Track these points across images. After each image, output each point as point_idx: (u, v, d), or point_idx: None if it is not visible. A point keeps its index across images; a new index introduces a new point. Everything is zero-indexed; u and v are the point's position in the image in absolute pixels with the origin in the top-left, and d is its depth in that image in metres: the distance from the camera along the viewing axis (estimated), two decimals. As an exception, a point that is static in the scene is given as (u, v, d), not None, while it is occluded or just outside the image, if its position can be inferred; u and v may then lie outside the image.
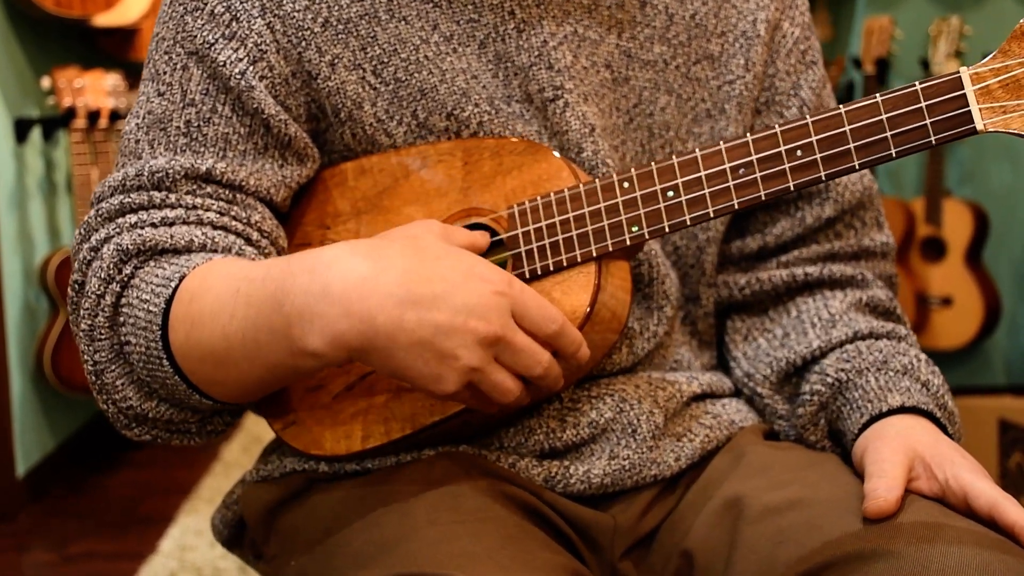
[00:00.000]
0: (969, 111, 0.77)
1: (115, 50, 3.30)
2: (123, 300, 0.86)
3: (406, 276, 0.77)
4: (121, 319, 0.86)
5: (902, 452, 0.83)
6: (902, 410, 0.90)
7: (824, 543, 0.76)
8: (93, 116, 2.90)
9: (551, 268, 0.87)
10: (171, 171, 0.89)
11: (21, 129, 2.89)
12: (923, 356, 0.96)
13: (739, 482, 0.89)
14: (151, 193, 0.89)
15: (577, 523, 0.91)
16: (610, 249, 0.86)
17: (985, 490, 0.80)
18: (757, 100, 1.01)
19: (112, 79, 2.95)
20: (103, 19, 2.98)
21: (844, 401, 0.93)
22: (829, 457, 0.92)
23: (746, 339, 1.04)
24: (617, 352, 0.96)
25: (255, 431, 3.30)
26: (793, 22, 1.03)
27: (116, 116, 2.97)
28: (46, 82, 2.89)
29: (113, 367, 0.87)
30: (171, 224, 0.88)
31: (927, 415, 0.91)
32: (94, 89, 2.90)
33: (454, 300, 0.76)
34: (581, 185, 0.87)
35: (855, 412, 0.91)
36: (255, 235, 0.91)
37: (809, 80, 1.02)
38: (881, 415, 0.90)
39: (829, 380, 0.94)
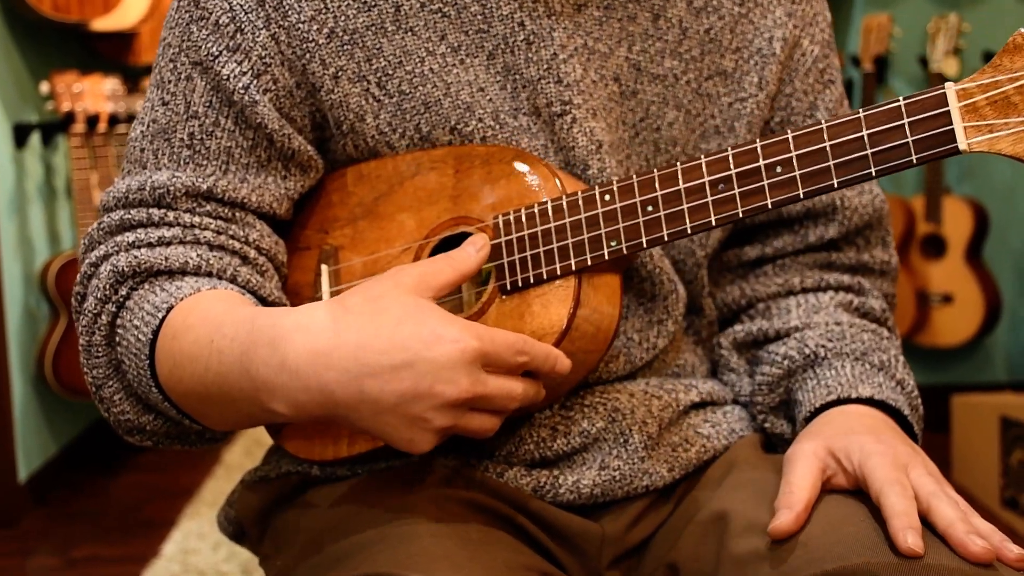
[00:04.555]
0: (952, 129, 0.72)
1: (113, 54, 3.29)
2: (118, 321, 0.87)
3: (362, 348, 0.76)
4: (117, 339, 0.87)
5: (812, 455, 0.83)
6: (870, 402, 0.90)
7: (807, 560, 0.75)
8: (92, 120, 2.90)
9: (532, 281, 0.86)
10: (172, 188, 0.89)
11: (20, 134, 2.89)
12: (902, 358, 0.95)
13: (727, 494, 0.88)
14: (150, 211, 0.89)
15: (563, 532, 0.91)
16: (589, 263, 0.85)
17: (876, 477, 0.78)
18: (771, 120, 1.00)
19: (111, 83, 2.95)
20: (101, 23, 2.98)
21: (814, 375, 0.93)
22: None
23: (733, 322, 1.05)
24: (614, 361, 0.95)
25: (256, 434, 3.30)
26: (813, 40, 1.00)
27: (115, 120, 2.97)
28: (45, 87, 2.89)
29: (111, 382, 0.89)
30: (168, 244, 0.88)
31: (894, 412, 0.91)
32: (93, 93, 2.89)
33: (417, 367, 0.75)
34: (564, 197, 0.86)
35: (821, 388, 0.91)
36: (252, 253, 0.91)
37: (826, 100, 1.01)
38: (847, 400, 0.90)
39: (807, 351, 0.94)
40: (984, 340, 3.30)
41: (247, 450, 3.23)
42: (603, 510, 0.92)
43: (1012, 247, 3.30)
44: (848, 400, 0.90)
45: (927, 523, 0.76)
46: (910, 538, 0.73)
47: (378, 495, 0.88)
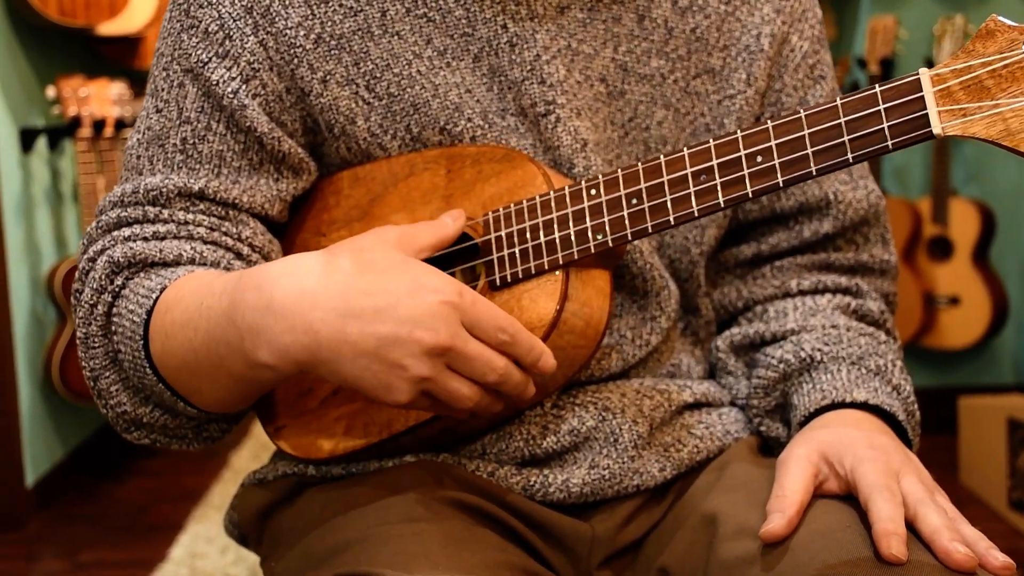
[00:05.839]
0: (927, 114, 0.73)
1: (119, 58, 3.30)
2: (114, 310, 0.88)
3: (348, 290, 0.78)
4: (113, 327, 0.88)
5: (805, 459, 0.83)
6: (865, 406, 0.90)
7: (794, 565, 0.75)
8: (98, 125, 2.90)
9: (520, 275, 0.87)
10: (165, 189, 0.91)
11: (27, 138, 2.89)
12: (899, 363, 0.95)
13: (719, 497, 0.88)
14: (146, 208, 0.91)
15: (553, 531, 0.91)
16: (576, 257, 0.86)
17: (866, 483, 0.78)
18: (762, 116, 1.00)
19: (117, 88, 2.95)
20: (107, 28, 2.98)
21: (809, 379, 0.93)
22: None
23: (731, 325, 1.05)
24: (606, 358, 0.95)
25: (264, 438, 3.30)
26: (802, 35, 1.00)
27: (121, 125, 2.98)
28: (51, 91, 2.89)
29: (108, 374, 0.90)
30: (162, 238, 0.90)
31: (889, 417, 0.91)
32: (99, 98, 2.90)
33: (398, 312, 0.77)
34: (551, 192, 0.87)
35: (816, 392, 0.91)
36: (245, 250, 0.93)
37: (816, 95, 1.01)
38: (842, 405, 0.90)
39: (803, 355, 0.94)
40: (991, 342, 3.29)
41: (254, 454, 3.23)
42: (594, 509, 0.93)
43: (1019, 249, 3.30)
44: (843, 404, 0.90)
45: (914, 530, 0.76)
46: (893, 544, 0.73)
47: (367, 495, 0.89)
